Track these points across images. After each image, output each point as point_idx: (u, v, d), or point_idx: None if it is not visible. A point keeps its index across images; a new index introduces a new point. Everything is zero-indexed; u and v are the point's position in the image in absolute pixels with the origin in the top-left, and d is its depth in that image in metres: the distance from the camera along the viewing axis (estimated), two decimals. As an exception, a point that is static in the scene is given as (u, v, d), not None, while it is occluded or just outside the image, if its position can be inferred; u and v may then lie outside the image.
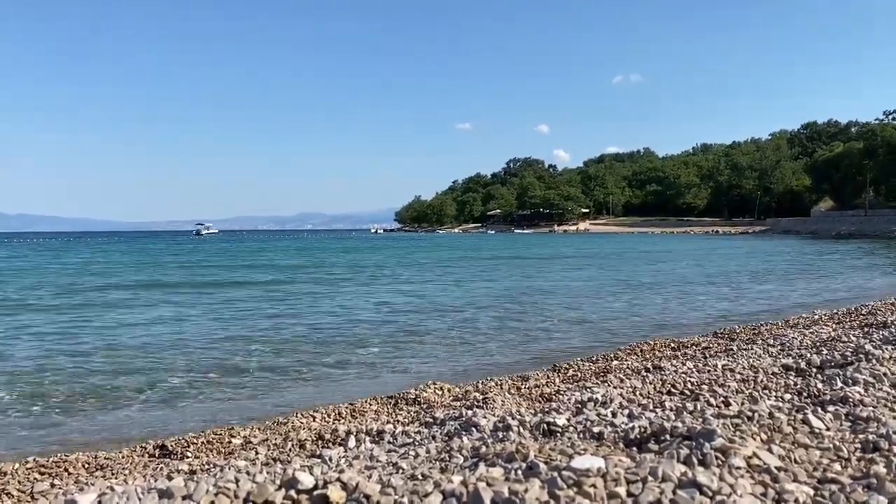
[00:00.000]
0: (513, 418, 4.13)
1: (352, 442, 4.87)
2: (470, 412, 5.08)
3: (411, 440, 4.45)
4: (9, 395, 7.80)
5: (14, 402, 7.50)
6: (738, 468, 2.43)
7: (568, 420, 3.78)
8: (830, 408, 3.52)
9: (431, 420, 5.23)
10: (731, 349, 8.05)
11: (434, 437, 4.34)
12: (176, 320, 14.37)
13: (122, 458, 5.23)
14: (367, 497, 2.27)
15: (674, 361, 7.35)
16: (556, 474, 2.30)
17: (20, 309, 16.54)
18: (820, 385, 4.23)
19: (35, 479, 4.64)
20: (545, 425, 3.75)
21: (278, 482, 2.43)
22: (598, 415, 3.89)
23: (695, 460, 2.52)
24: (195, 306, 16.92)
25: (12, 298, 19.07)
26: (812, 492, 2.26)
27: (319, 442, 5.14)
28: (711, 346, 8.74)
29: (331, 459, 3.84)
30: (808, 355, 5.67)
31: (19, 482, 4.54)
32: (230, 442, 5.51)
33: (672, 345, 9.27)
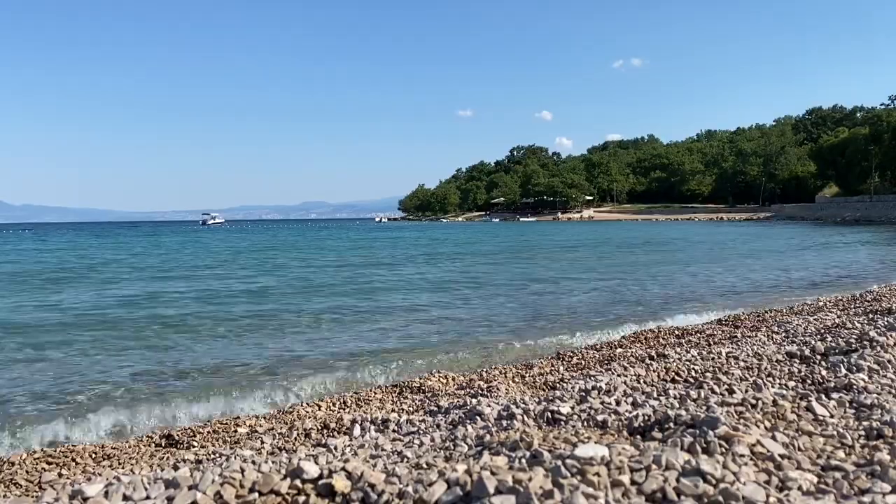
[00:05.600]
0: (517, 406, 4.14)
1: (357, 431, 4.90)
2: (474, 400, 5.11)
3: (416, 429, 4.47)
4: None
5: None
6: (742, 456, 2.44)
7: (572, 408, 3.79)
8: (834, 395, 3.52)
9: (436, 409, 5.25)
10: (736, 336, 8.05)
11: (438, 426, 4.36)
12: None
13: (129, 447, 5.27)
14: (372, 486, 2.28)
15: (678, 349, 7.35)
16: (559, 463, 2.31)
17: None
18: (824, 372, 4.23)
19: (42, 468, 4.68)
20: (549, 413, 3.76)
21: (283, 471, 2.45)
22: (602, 403, 3.90)
23: (698, 448, 2.53)
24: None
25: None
26: (815, 479, 2.27)
27: (325, 431, 5.16)
28: (716, 333, 8.73)
29: (336, 448, 3.86)
30: (813, 342, 5.66)
31: (27, 472, 4.58)
32: (236, 431, 5.54)
33: (676, 332, 9.27)
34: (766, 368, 4.67)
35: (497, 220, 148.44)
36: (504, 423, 3.87)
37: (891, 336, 5.33)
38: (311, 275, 22.95)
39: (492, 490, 2.14)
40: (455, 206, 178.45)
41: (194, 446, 5.23)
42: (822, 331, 7.03)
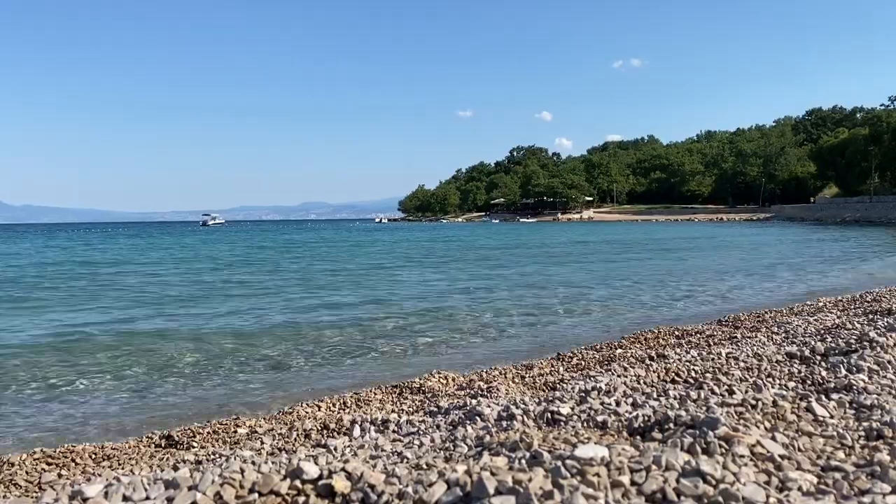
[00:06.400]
0: (517, 407, 4.14)
1: (357, 431, 4.89)
2: (474, 401, 5.10)
3: (416, 429, 4.47)
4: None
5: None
6: (742, 456, 2.44)
7: (572, 409, 3.79)
8: (834, 395, 3.52)
9: (436, 409, 5.25)
10: (735, 337, 8.05)
11: (438, 427, 4.36)
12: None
13: (129, 448, 5.26)
14: (372, 486, 2.28)
15: (678, 350, 7.35)
16: (559, 463, 2.31)
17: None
18: (824, 373, 4.23)
19: (42, 469, 4.67)
20: (549, 414, 3.76)
21: (283, 472, 2.44)
22: (602, 403, 3.89)
23: (698, 449, 2.53)
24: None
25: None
26: (815, 479, 2.27)
27: (325, 431, 5.16)
28: (715, 334, 8.73)
29: (336, 449, 3.86)
30: (813, 343, 5.66)
31: (27, 472, 4.58)
32: (236, 432, 5.54)
33: (676, 333, 9.27)
34: (765, 369, 4.67)
35: (497, 220, 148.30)
36: (504, 423, 3.87)
37: (891, 337, 5.33)
38: (312, 276, 22.96)
39: (492, 491, 2.13)
40: (455, 206, 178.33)
41: (194, 447, 5.23)
42: (822, 331, 7.03)
